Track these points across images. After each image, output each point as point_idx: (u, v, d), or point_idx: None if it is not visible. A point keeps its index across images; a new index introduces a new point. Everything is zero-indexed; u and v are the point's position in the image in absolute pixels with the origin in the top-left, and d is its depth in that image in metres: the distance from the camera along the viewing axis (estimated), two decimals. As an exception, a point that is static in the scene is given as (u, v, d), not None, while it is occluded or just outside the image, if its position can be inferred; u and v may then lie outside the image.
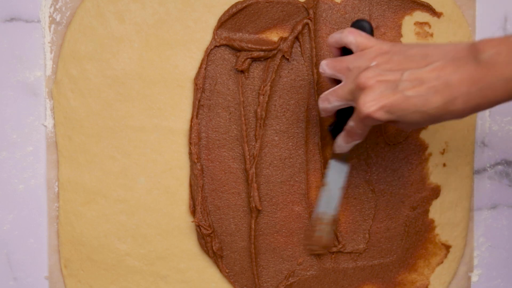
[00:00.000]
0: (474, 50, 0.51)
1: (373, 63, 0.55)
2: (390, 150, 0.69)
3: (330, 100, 0.58)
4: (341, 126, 0.62)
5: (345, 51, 0.60)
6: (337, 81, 0.60)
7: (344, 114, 0.61)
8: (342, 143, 0.61)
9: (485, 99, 0.51)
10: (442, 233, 0.69)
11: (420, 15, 0.68)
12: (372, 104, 0.53)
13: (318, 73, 0.68)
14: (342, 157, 0.65)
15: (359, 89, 0.54)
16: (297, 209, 0.68)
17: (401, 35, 0.68)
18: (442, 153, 0.69)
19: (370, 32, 0.60)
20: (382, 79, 0.53)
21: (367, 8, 0.68)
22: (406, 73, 0.53)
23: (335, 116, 0.64)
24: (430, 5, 0.68)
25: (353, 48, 0.58)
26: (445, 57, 0.52)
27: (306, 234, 0.68)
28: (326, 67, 0.59)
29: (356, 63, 0.56)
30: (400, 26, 0.68)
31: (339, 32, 0.59)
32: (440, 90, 0.51)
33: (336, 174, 0.66)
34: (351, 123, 0.57)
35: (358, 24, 0.60)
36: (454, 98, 0.51)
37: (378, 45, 0.56)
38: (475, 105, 0.51)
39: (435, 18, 0.68)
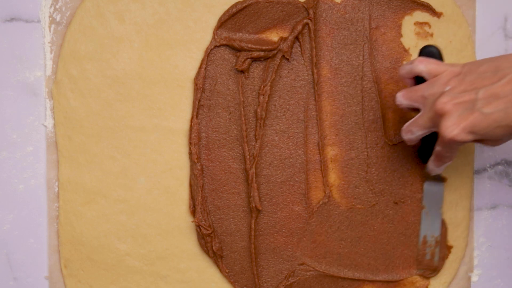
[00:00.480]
0: None
1: (447, 88, 0.56)
2: (390, 150, 0.68)
3: (413, 131, 0.60)
4: (427, 149, 0.63)
5: (418, 79, 0.61)
6: (415, 109, 0.61)
7: (428, 138, 0.62)
8: (434, 167, 0.63)
9: None
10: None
11: (420, 15, 0.68)
12: (453, 128, 0.54)
13: (318, 73, 0.68)
14: (436, 178, 0.67)
15: (438, 116, 0.56)
16: (297, 209, 0.68)
17: (401, 35, 0.68)
18: (442, 153, 0.69)
19: (439, 56, 0.62)
20: (458, 101, 0.54)
21: (367, 8, 0.68)
22: (481, 91, 0.54)
23: (420, 141, 0.64)
24: (430, 5, 0.68)
25: (425, 76, 0.59)
26: None
27: (416, 260, 0.68)
28: (402, 98, 0.60)
29: (431, 90, 0.57)
30: (400, 26, 0.68)
31: (409, 63, 0.60)
32: None
33: (434, 196, 0.67)
34: (438, 148, 0.59)
35: (426, 50, 0.62)
36: None
37: (449, 68, 0.57)
38: None
39: (435, 18, 0.68)
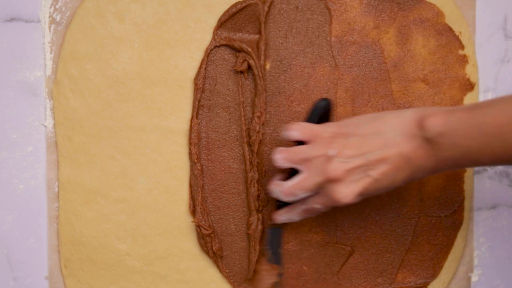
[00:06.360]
0: (421, 128, 0.54)
1: (332, 151, 0.56)
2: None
3: (296, 194, 0.59)
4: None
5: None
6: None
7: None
8: (296, 217, 0.63)
9: (440, 169, 0.55)
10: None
11: (420, 15, 0.68)
12: (347, 194, 0.56)
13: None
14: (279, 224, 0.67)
15: (329, 181, 0.56)
16: (297, 209, 0.68)
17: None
18: (442, 153, 0.69)
19: (329, 108, 0.62)
20: (350, 167, 0.56)
21: (368, 8, 0.68)
22: (369, 157, 0.55)
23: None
24: (430, 5, 0.68)
25: (303, 140, 0.59)
26: (397, 133, 0.55)
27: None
28: (283, 161, 0.59)
29: (314, 153, 0.57)
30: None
31: (284, 129, 0.60)
32: (403, 167, 0.55)
33: (276, 238, 0.67)
34: (316, 205, 0.59)
35: (317, 105, 0.62)
36: (415, 171, 0.55)
37: (325, 132, 0.58)
38: (433, 172, 0.56)
39: (435, 18, 0.68)
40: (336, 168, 0.56)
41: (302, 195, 0.59)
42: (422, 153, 0.54)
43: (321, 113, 0.62)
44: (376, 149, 0.55)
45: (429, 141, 0.54)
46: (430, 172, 0.56)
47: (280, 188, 0.60)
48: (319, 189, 0.58)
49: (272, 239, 0.67)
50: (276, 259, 0.67)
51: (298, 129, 0.59)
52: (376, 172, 0.55)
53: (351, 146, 0.56)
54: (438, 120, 0.53)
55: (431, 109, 0.55)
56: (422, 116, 0.54)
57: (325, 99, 0.62)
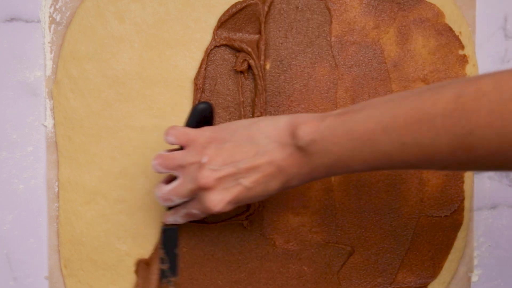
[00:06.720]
0: (293, 136, 0.53)
1: (205, 158, 0.56)
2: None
3: (172, 200, 0.59)
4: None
5: None
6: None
7: None
8: (181, 220, 0.62)
9: (316, 176, 0.54)
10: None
11: (420, 15, 0.68)
12: (218, 202, 0.55)
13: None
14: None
15: (201, 189, 0.56)
16: (296, 209, 0.68)
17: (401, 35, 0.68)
18: (442, 153, 0.69)
19: (210, 112, 0.61)
20: (220, 175, 0.55)
21: (368, 8, 0.68)
22: (240, 165, 0.55)
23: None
24: (430, 5, 0.68)
25: (180, 145, 0.59)
26: (270, 140, 0.54)
27: None
28: (159, 166, 0.59)
29: (188, 160, 0.57)
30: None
31: (164, 134, 0.59)
32: (275, 175, 0.54)
33: (171, 238, 0.66)
34: (194, 211, 0.58)
35: (197, 108, 0.61)
36: (289, 179, 0.54)
37: (201, 137, 0.57)
38: (309, 179, 0.55)
39: (435, 18, 0.68)
40: (207, 176, 0.55)
41: (178, 201, 0.59)
42: (294, 161, 0.53)
43: (201, 117, 0.61)
44: (248, 156, 0.54)
45: (301, 149, 0.53)
46: (307, 179, 0.55)
47: (159, 193, 0.60)
48: (194, 196, 0.57)
49: (166, 239, 0.66)
50: (171, 260, 0.66)
51: (173, 134, 0.58)
52: (247, 181, 0.54)
53: (224, 153, 0.55)
54: (309, 128, 0.52)
55: (304, 116, 0.54)
56: (294, 124, 0.53)
57: (204, 103, 0.61)
